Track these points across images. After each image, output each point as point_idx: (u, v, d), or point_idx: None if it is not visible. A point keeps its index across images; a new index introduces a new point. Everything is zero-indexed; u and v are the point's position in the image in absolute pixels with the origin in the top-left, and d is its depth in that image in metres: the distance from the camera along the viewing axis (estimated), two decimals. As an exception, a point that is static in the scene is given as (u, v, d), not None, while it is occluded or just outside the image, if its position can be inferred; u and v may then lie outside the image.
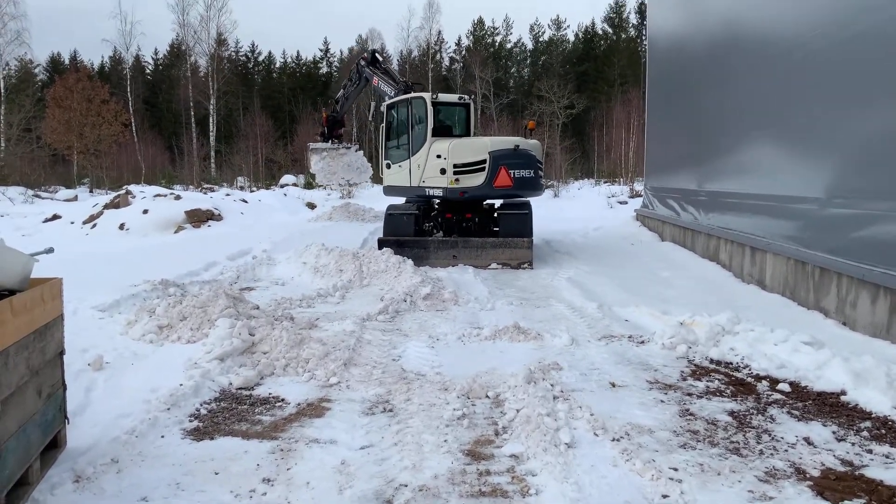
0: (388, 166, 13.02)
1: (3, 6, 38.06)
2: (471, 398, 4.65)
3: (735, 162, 10.27)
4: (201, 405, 4.53)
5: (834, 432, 4.09)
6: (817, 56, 7.51)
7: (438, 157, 11.76)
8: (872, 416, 4.33)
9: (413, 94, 12.76)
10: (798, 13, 8.18)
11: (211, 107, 47.12)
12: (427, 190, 12.02)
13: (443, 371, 5.32)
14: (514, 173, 11.41)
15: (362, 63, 15.87)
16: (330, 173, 18.78)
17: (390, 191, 13.15)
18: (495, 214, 12.39)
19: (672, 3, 15.12)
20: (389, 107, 13.20)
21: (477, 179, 11.47)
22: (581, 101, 48.35)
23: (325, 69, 71.49)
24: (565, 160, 38.90)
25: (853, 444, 3.93)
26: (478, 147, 11.69)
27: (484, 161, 11.43)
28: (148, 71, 68.07)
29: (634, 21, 64.46)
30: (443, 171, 11.63)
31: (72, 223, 18.61)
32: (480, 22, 67.05)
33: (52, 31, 77.71)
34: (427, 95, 12.24)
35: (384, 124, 13.12)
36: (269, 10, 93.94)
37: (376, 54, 16.20)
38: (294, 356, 5.48)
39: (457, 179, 11.53)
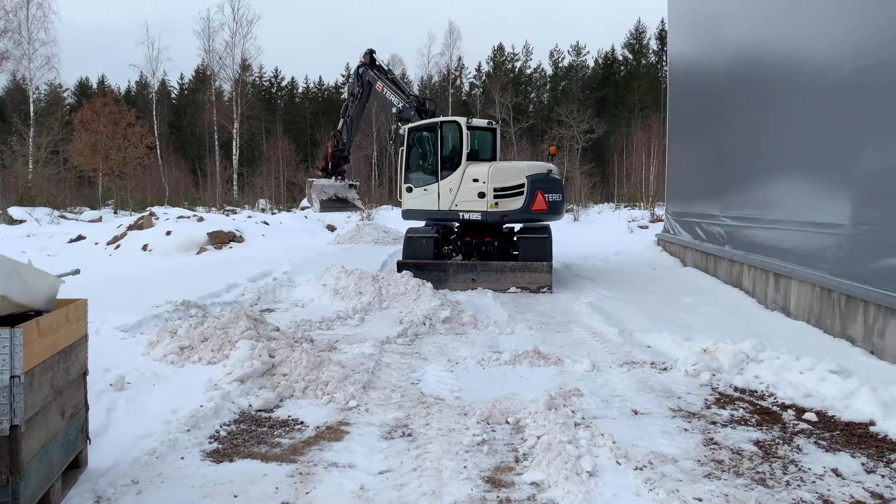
0: (410, 189, 12.73)
1: (35, 32, 39.00)
2: (491, 423, 4.61)
3: (758, 188, 10.18)
4: (221, 427, 4.53)
5: (863, 464, 3.99)
6: (842, 83, 7.46)
7: (475, 180, 11.81)
8: (903, 447, 4.22)
9: (444, 119, 12.71)
10: (822, 40, 8.15)
11: (234, 130, 47.76)
12: (462, 214, 11.98)
13: (462, 395, 5.29)
14: (548, 197, 11.61)
15: (361, 67, 14.70)
16: (330, 209, 16.83)
17: (411, 214, 12.95)
18: (514, 238, 12.37)
19: (693, 29, 15.15)
20: (413, 129, 12.94)
21: (516, 203, 11.62)
22: (601, 125, 48.43)
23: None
24: (585, 184, 38.85)
25: (883, 476, 3.82)
26: (516, 171, 11.90)
27: (522, 185, 11.61)
28: (173, 95, 69.41)
29: (655, 47, 64.63)
30: (481, 195, 11.69)
31: (96, 244, 18.88)
32: (501, 48, 67.62)
33: (82, 56, 79.62)
34: (462, 120, 12.32)
35: (404, 147, 12.73)
36: (292, 36, 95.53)
37: (374, 54, 14.74)
38: (313, 378, 5.48)
39: (496, 203, 11.62)
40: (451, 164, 12.21)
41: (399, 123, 13.74)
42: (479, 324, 8.19)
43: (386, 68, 15.00)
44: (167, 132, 56.36)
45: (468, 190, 11.88)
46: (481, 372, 6.08)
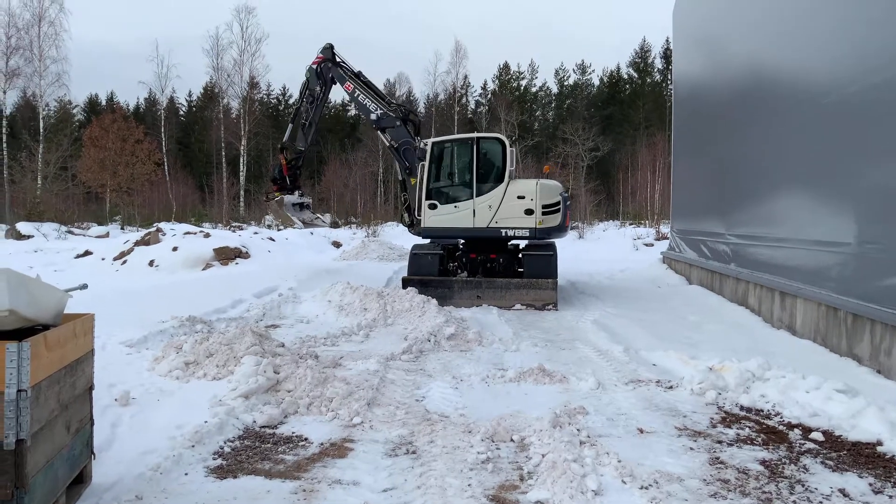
0: (433, 206, 12.08)
1: (46, 50, 39.50)
2: (495, 441, 4.59)
3: (764, 206, 10.19)
4: (225, 443, 4.53)
5: (871, 484, 3.96)
6: (847, 101, 7.48)
7: (520, 197, 11.76)
8: (911, 468, 4.19)
9: (482, 134, 12.52)
10: (825, 59, 8.19)
11: (242, 147, 48.10)
12: (504, 231, 11.85)
13: (467, 413, 5.27)
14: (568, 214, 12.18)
15: (321, 64, 13.16)
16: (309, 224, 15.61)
17: (434, 232, 12.20)
18: (520, 255, 12.37)
19: (697, 48, 15.24)
20: (439, 144, 12.41)
21: (555, 220, 11.86)
22: (606, 143, 48.60)
23: (352, 112, 72.85)
24: (590, 202, 38.92)
25: (891, 496, 3.79)
26: (554, 189, 12.16)
27: (559, 202, 11.89)
28: (181, 112, 69.99)
29: (660, 66, 65.01)
30: (528, 212, 11.70)
31: (103, 259, 18.95)
32: (506, 66, 68.09)
33: (91, 74, 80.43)
34: (504, 137, 12.32)
35: (427, 162, 12.09)
36: (300, 55, 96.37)
37: (334, 49, 13.37)
38: (318, 395, 5.47)
39: (542, 220, 11.78)
40: (488, 180, 12.07)
41: (390, 135, 12.87)
42: (483, 341, 8.18)
43: (353, 68, 13.44)
44: (175, 149, 56.80)
45: (511, 207, 11.78)
46: (486, 389, 6.07)
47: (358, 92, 13.11)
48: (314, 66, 13.25)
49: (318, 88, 13.29)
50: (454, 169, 12.55)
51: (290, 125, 13.71)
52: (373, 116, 12.94)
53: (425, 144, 12.40)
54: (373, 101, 13.02)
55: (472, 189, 11.98)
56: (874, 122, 6.91)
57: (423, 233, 12.30)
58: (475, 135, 12.46)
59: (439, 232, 12.20)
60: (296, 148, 13.71)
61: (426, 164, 12.13)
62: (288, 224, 15.09)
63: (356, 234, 31.94)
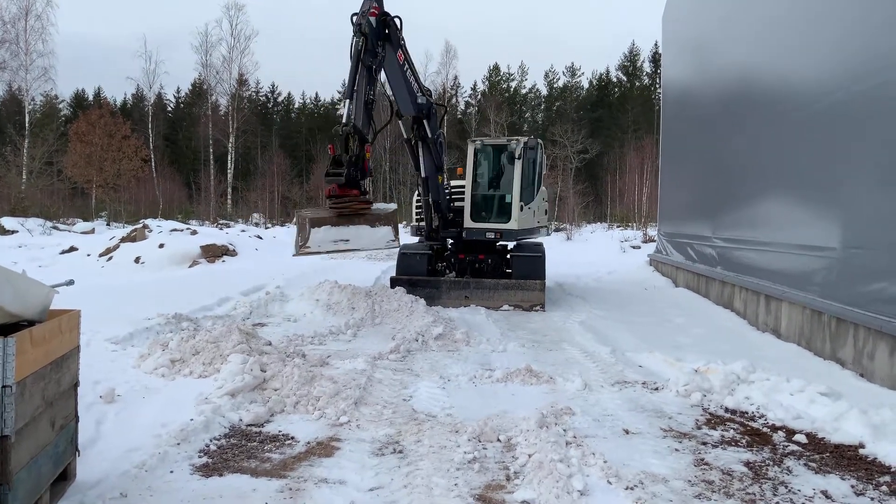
0: (522, 209, 11.87)
1: (32, 43, 39.14)
2: (482, 441, 4.60)
3: (750, 210, 10.27)
4: (211, 441, 4.51)
5: (853, 486, 4.00)
6: (833, 107, 7.56)
7: (545, 199, 12.75)
8: (892, 470, 4.24)
9: (539, 140, 12.61)
10: (813, 66, 8.27)
11: (230, 145, 47.89)
12: (541, 231, 12.74)
13: (454, 413, 5.28)
14: None
15: (379, 18, 9.46)
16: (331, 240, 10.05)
17: (520, 234, 11.98)
18: (508, 256, 12.40)
19: (686, 53, 15.33)
20: (531, 146, 11.99)
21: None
22: (594, 146, 48.79)
23: (342, 110, 72.67)
24: (578, 204, 39.05)
25: (872, 498, 3.84)
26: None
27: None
28: (169, 108, 69.52)
29: (648, 69, 65.30)
30: (547, 212, 12.65)
31: (88, 255, 18.82)
32: (496, 68, 68.13)
33: (78, 68, 79.82)
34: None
35: (523, 160, 11.76)
36: (289, 53, 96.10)
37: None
38: (305, 394, 5.46)
39: None
40: (539, 182, 12.79)
41: (426, 124, 10.84)
42: (471, 341, 8.19)
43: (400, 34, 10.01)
44: (162, 145, 56.39)
45: (541, 209, 12.77)
46: (473, 389, 6.07)
47: (407, 66, 10.36)
48: (372, 18, 9.40)
49: (379, 50, 9.54)
50: (530, 170, 12.35)
51: (350, 103, 9.22)
52: (420, 100, 10.63)
53: (530, 143, 11.87)
54: (416, 83, 10.72)
55: (533, 190, 12.43)
56: (859, 128, 6.99)
57: (515, 234, 11.88)
58: (538, 139, 12.66)
59: (522, 234, 12.03)
60: (363, 133, 9.39)
61: (522, 161, 11.74)
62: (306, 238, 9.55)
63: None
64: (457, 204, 12.22)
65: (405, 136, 11.51)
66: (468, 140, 12.63)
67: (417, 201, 12.55)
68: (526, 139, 11.99)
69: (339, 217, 9.49)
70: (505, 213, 11.99)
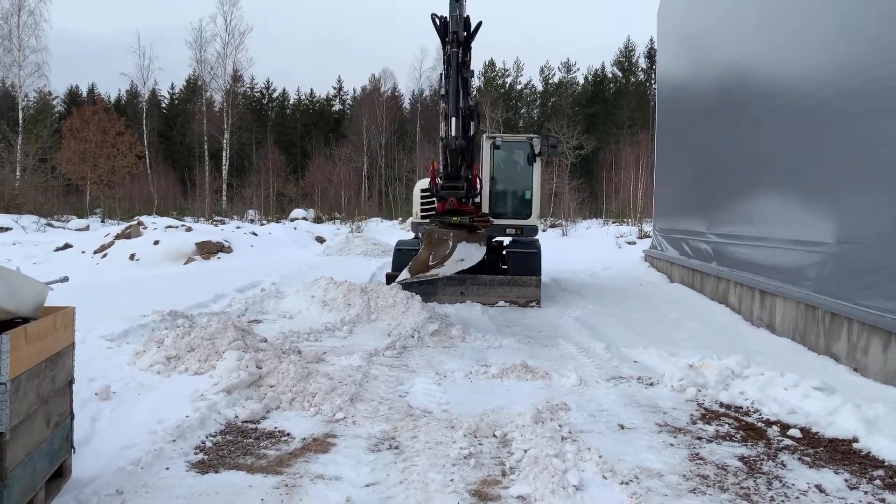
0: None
1: (25, 39, 38.96)
2: (478, 437, 4.61)
3: (744, 205, 10.29)
4: (207, 437, 4.50)
5: (846, 480, 4.03)
6: (827, 102, 7.58)
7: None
8: (885, 464, 4.26)
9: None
10: (808, 62, 8.29)
11: (224, 141, 47.72)
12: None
13: (450, 408, 5.28)
14: None
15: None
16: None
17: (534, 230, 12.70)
18: (504, 252, 12.41)
19: (680, 48, 15.34)
20: (554, 144, 12.70)
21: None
22: (590, 142, 48.81)
23: (337, 106, 72.58)
24: (573, 200, 39.07)
25: (866, 492, 3.86)
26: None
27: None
28: (164, 105, 69.29)
29: (644, 65, 65.29)
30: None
31: (83, 252, 18.75)
32: (492, 63, 68.04)
33: (72, 65, 79.43)
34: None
35: (542, 157, 12.44)
36: (284, 48, 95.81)
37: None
38: (300, 390, 5.46)
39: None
40: None
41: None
42: (467, 337, 8.19)
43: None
44: (157, 141, 56.22)
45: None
46: (469, 385, 6.08)
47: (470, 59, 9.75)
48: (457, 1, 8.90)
49: (468, 58, 9.38)
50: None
51: (455, 120, 8.97)
52: (471, 102, 10.39)
53: (491, 138, 12.29)
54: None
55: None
56: (851, 123, 7.01)
57: (535, 230, 12.54)
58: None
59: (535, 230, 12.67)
60: (471, 148, 9.39)
61: (541, 159, 12.38)
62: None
63: (340, 229, 31.87)
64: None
65: (444, 135, 11.27)
66: (485, 136, 12.58)
67: (423, 193, 12.55)
68: (547, 136, 12.47)
69: (470, 233, 9.10)
70: (525, 208, 12.42)
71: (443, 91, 9.20)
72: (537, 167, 12.38)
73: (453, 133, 8.72)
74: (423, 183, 12.86)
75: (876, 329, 6.37)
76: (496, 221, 11.75)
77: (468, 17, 9.47)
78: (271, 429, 4.78)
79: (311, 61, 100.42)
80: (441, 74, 10.10)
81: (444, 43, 9.17)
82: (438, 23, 9.22)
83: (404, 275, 7.93)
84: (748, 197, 10.15)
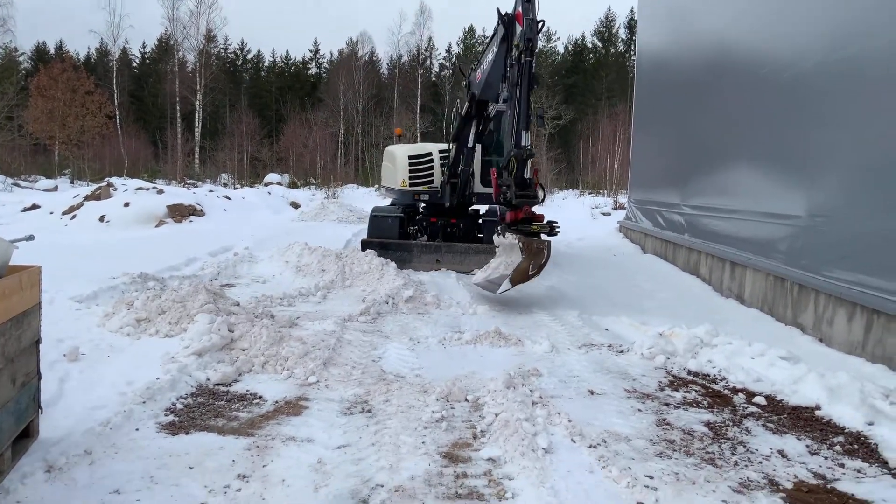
0: None
1: (-10, -7, 37.59)
2: (450, 401, 4.65)
3: (718, 178, 10.38)
4: (177, 400, 4.48)
5: (808, 446, 4.14)
6: (803, 77, 7.62)
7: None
8: (845, 431, 4.39)
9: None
10: (787, 35, 8.30)
11: (197, 102, 46.78)
12: None
13: (423, 373, 5.31)
14: None
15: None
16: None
17: None
18: (480, 221, 12.40)
19: (661, 20, 15.27)
20: (540, 115, 11.66)
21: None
22: (568, 112, 48.73)
23: (314, 70, 71.39)
24: (550, 170, 39.12)
25: (826, 458, 3.97)
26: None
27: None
28: (135, 64, 67.53)
29: (624, 36, 65.08)
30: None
31: (51, 213, 18.38)
32: (471, 30, 67.35)
33: (39, 20, 76.84)
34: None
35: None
36: (259, 9, 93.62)
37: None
38: (273, 354, 5.45)
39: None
40: None
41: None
42: (441, 304, 8.22)
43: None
44: (127, 102, 54.88)
45: None
46: (442, 351, 6.12)
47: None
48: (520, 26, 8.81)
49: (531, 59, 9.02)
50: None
51: (526, 132, 8.58)
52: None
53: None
54: None
55: None
56: (828, 99, 7.06)
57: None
58: None
59: None
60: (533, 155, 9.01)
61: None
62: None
63: (315, 195, 31.58)
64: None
65: (463, 112, 11.23)
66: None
67: (413, 160, 12.28)
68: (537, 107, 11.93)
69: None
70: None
71: (505, 95, 8.96)
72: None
73: (523, 142, 8.39)
74: (408, 148, 12.77)
75: (842, 301, 6.51)
76: (488, 190, 11.48)
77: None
78: (243, 391, 4.77)
79: (287, 23, 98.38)
80: (482, 69, 10.07)
81: (509, 44, 9.03)
82: (507, 20, 8.99)
83: (506, 285, 7.80)
84: (723, 169, 10.22)
